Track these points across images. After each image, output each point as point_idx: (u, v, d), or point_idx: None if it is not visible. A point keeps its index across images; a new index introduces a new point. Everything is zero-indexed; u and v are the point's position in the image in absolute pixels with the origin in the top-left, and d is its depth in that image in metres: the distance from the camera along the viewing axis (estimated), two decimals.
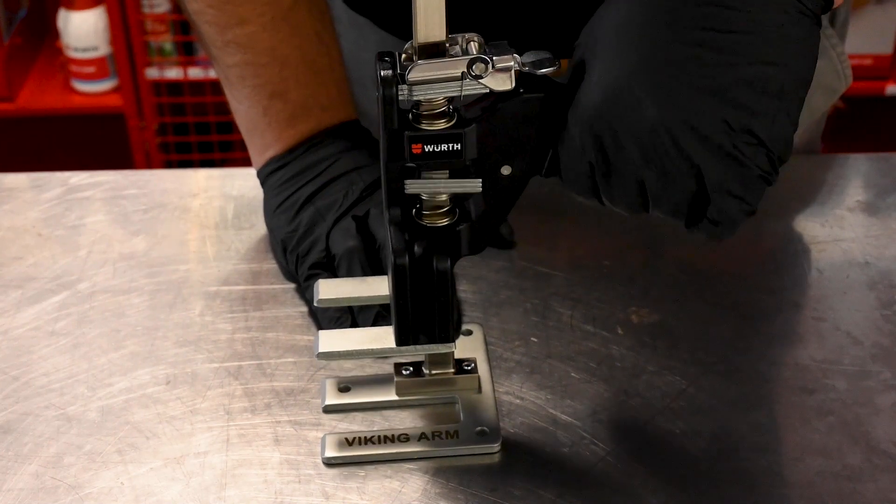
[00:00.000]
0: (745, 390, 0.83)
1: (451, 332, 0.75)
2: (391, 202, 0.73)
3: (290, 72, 0.93)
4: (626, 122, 0.67)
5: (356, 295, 0.82)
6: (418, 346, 0.75)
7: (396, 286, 0.73)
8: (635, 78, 0.66)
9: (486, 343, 0.87)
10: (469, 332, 0.87)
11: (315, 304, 0.82)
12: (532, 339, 0.88)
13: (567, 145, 0.70)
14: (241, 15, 0.91)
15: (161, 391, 0.83)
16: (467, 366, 0.83)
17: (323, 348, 0.78)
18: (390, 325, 0.76)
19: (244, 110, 0.95)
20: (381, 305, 0.86)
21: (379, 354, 0.79)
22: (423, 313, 0.74)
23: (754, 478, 0.76)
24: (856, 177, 1.07)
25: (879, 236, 0.98)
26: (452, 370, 0.82)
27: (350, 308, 0.87)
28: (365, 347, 0.78)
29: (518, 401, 0.82)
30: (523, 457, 0.78)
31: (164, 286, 0.93)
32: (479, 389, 0.82)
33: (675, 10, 0.66)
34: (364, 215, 0.90)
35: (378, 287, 0.82)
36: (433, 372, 0.82)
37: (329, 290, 0.82)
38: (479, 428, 0.79)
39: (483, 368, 0.84)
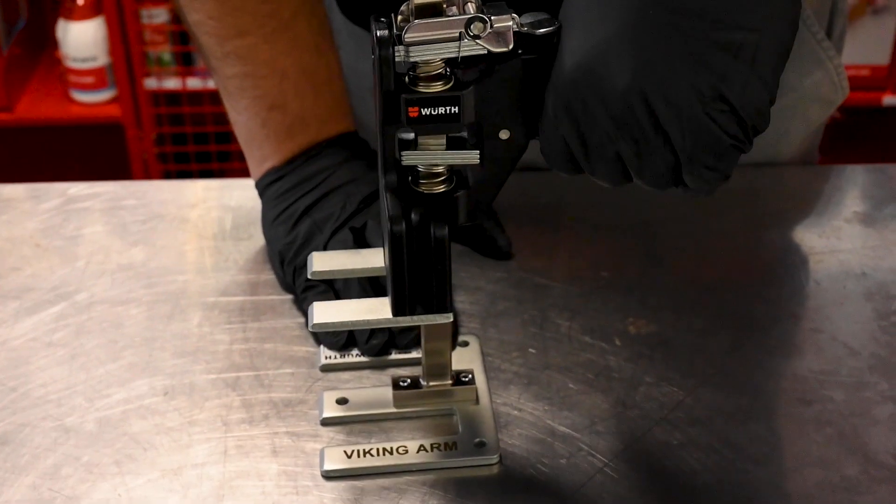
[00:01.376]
0: (743, 401, 0.83)
1: (448, 302, 0.73)
2: (388, 168, 0.72)
3: (289, 84, 0.93)
4: (598, 92, 0.66)
5: (351, 267, 0.80)
6: (415, 317, 0.74)
7: (393, 255, 0.71)
8: (608, 46, 0.65)
9: (483, 354, 0.87)
10: (466, 344, 0.87)
11: (309, 277, 0.80)
12: (530, 350, 0.88)
13: (543, 119, 0.70)
14: (240, 27, 0.91)
15: (159, 402, 0.83)
16: (465, 377, 0.83)
17: (317, 319, 0.76)
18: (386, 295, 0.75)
19: (243, 122, 0.96)
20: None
21: (375, 325, 0.78)
22: (420, 283, 0.72)
23: (752, 489, 0.76)
24: (853, 188, 1.07)
25: (876, 247, 0.98)
26: (450, 382, 0.82)
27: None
28: (360, 318, 0.76)
29: (516, 412, 0.82)
30: (521, 468, 0.78)
31: (162, 297, 0.93)
32: (477, 401, 0.82)
33: None
34: (361, 227, 0.90)
35: (373, 259, 0.80)
36: (431, 384, 0.82)
37: (323, 262, 0.80)
38: (477, 439, 0.79)
39: (480, 380, 0.84)
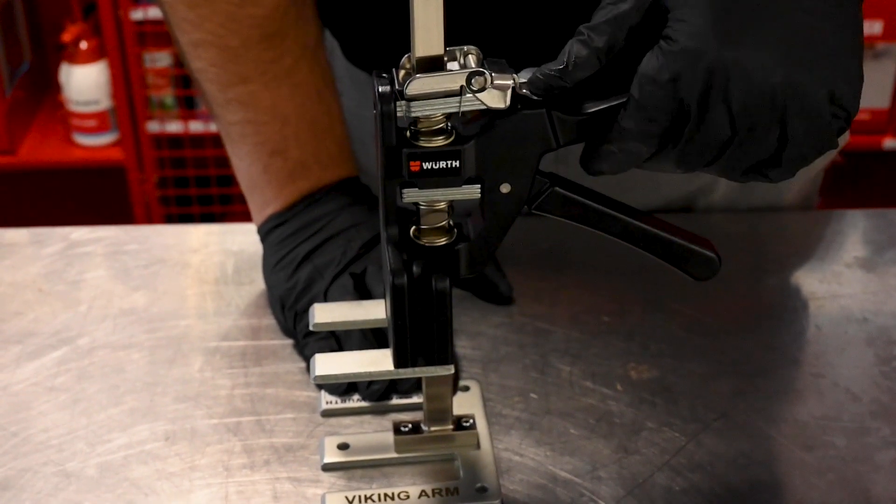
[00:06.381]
0: (745, 447, 0.83)
1: (449, 353, 0.74)
2: (389, 221, 0.72)
3: (290, 130, 0.94)
4: (743, 82, 0.66)
5: (352, 318, 0.81)
6: (417, 369, 0.74)
7: (395, 307, 0.71)
8: (763, 42, 0.66)
9: (485, 399, 0.87)
10: (466, 389, 0.87)
11: (311, 329, 0.81)
12: (531, 395, 0.88)
13: (654, 77, 0.67)
14: (243, 73, 0.92)
15: (160, 447, 0.83)
16: (466, 422, 0.83)
17: (319, 371, 0.77)
18: (387, 347, 0.75)
19: (245, 167, 0.96)
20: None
21: (376, 377, 0.78)
22: (421, 335, 0.73)
23: None
24: (853, 233, 1.07)
25: (877, 292, 0.99)
26: (451, 427, 0.82)
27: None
28: (361, 370, 0.77)
29: (517, 457, 0.82)
30: None
31: (163, 342, 0.93)
32: (478, 446, 0.82)
33: None
34: (361, 273, 0.91)
35: (374, 310, 0.80)
36: (432, 429, 0.82)
37: (325, 314, 0.81)
38: (478, 485, 0.79)
39: (482, 425, 0.84)
